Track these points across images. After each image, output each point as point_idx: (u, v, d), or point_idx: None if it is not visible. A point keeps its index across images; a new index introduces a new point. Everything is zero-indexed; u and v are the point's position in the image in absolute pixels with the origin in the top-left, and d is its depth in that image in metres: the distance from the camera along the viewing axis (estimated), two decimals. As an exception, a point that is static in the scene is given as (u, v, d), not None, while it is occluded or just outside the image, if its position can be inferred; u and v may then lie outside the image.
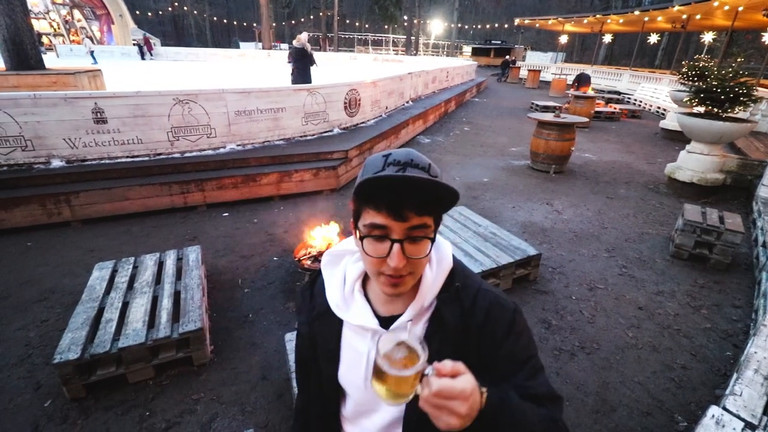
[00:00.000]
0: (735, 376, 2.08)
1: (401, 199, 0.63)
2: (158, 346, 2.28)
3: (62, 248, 3.77)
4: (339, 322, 0.80)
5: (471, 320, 0.75)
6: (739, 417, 1.77)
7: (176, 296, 2.63)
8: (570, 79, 14.81)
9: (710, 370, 2.56)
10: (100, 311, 2.46)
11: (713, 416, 1.76)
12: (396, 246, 0.64)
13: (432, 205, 0.66)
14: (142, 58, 25.35)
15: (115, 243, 3.90)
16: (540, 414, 0.70)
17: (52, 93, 4.35)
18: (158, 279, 2.82)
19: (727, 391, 1.96)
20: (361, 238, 0.68)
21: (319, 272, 0.87)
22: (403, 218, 0.63)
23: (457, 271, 0.80)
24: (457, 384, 0.57)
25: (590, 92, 12.42)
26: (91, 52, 21.86)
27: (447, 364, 0.59)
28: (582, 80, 13.34)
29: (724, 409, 1.82)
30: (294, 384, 1.99)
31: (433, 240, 0.69)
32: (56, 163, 4.42)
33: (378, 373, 0.60)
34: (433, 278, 0.76)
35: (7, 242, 3.82)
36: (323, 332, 0.83)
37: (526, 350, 0.77)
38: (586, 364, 2.57)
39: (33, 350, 2.52)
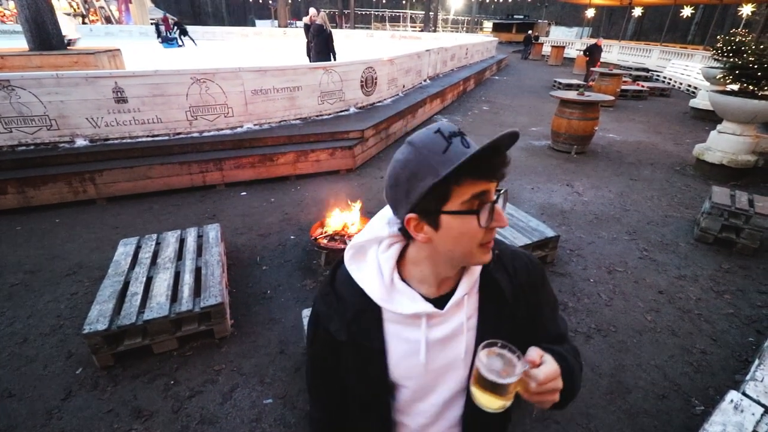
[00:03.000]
0: (757, 362, 2.04)
1: (499, 159, 0.63)
2: (181, 319, 2.37)
3: (88, 225, 3.91)
4: (379, 317, 0.76)
5: (516, 281, 0.80)
6: (759, 402, 1.75)
7: (197, 272, 2.71)
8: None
9: (731, 356, 2.51)
10: (126, 285, 2.55)
11: (732, 401, 1.74)
12: (497, 206, 0.65)
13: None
14: (158, 37, 25.14)
15: (139, 220, 4.01)
16: (571, 352, 0.82)
17: (74, 72, 4.42)
18: (180, 255, 2.91)
19: (748, 377, 1.92)
20: (474, 212, 0.64)
21: (333, 274, 0.81)
22: (500, 176, 0.64)
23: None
24: (551, 366, 0.65)
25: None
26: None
27: (535, 354, 0.66)
28: (594, 52, 12.84)
29: (744, 394, 1.80)
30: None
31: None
32: (80, 142, 4.53)
33: (489, 388, 0.63)
34: None
35: (36, 219, 3.98)
36: (364, 332, 0.76)
37: (552, 295, 0.89)
38: (602, 346, 2.56)
39: (64, 321, 2.65)
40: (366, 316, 0.76)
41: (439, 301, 0.75)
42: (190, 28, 28.66)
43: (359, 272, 0.77)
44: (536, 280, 0.83)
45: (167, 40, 18.78)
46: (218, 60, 14.21)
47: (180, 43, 19.83)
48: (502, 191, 0.66)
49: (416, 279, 0.76)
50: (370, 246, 0.78)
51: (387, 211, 0.78)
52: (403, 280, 0.76)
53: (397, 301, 0.74)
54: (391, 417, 0.85)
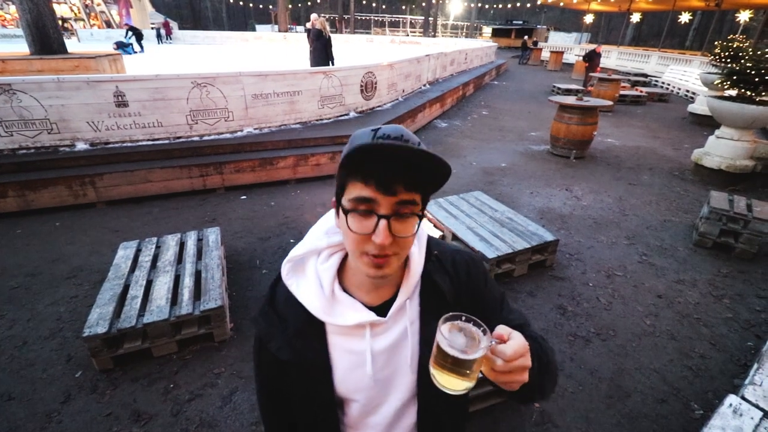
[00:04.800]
0: (756, 366, 2.05)
1: (392, 171, 0.59)
2: (181, 323, 2.37)
3: (88, 228, 3.91)
4: (322, 331, 0.74)
5: (457, 282, 0.79)
6: (757, 407, 1.75)
7: (197, 275, 2.72)
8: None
9: (729, 360, 2.52)
10: (126, 288, 2.56)
11: (731, 405, 1.75)
12: (383, 222, 0.60)
13: (423, 181, 0.62)
14: (159, 42, 24.98)
15: (138, 224, 4.02)
16: (539, 338, 0.79)
17: (75, 76, 4.44)
18: (180, 259, 2.91)
19: (747, 381, 1.93)
20: (346, 213, 0.63)
21: (272, 292, 0.79)
22: (392, 192, 0.60)
23: (430, 239, 0.80)
24: (519, 341, 0.59)
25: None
26: None
27: (503, 329, 0.61)
28: (593, 58, 13.02)
29: (743, 398, 1.80)
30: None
31: (420, 218, 0.65)
32: (81, 145, 4.54)
33: (450, 366, 0.57)
34: (419, 252, 0.75)
35: (37, 222, 3.98)
36: (307, 348, 0.74)
37: (498, 290, 0.86)
38: (601, 351, 2.56)
39: (64, 324, 2.65)
40: (308, 331, 0.74)
41: (382, 309, 0.73)
42: (189, 33, 28.91)
43: (298, 287, 0.74)
44: (477, 279, 0.82)
45: (122, 46, 16.66)
46: (207, 64, 14.28)
47: (136, 49, 18.18)
48: (389, 217, 0.60)
49: (355, 286, 0.75)
50: (308, 258, 0.76)
51: (325, 222, 0.78)
52: (345, 290, 0.74)
53: (339, 313, 0.72)
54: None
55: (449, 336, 0.58)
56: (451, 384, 0.58)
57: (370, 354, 0.73)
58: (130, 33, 17.89)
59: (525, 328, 0.81)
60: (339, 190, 0.66)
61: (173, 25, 29.66)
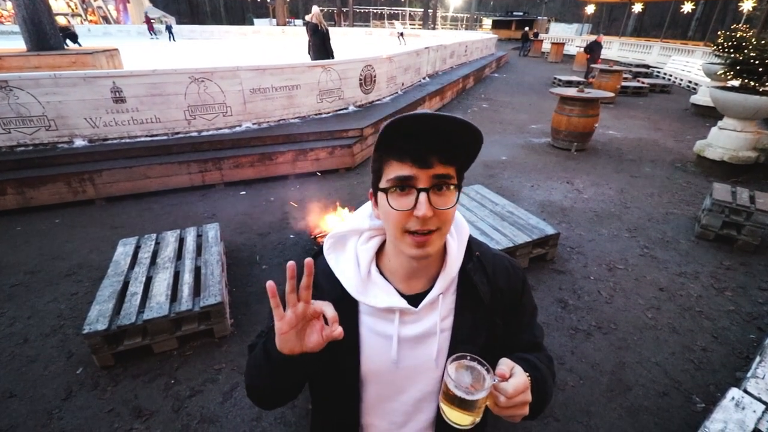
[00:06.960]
0: (758, 359, 2.04)
1: (426, 145, 0.61)
2: (181, 319, 2.37)
3: (88, 225, 3.90)
4: (355, 309, 0.76)
5: (495, 286, 0.79)
6: (760, 400, 1.74)
7: (197, 271, 2.71)
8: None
9: (732, 353, 2.51)
10: (125, 285, 2.55)
11: (733, 398, 1.74)
12: (423, 195, 0.62)
13: (457, 152, 0.64)
14: (170, 38, 23.68)
15: (138, 220, 4.01)
16: (546, 362, 0.82)
17: (72, 72, 4.41)
18: (179, 255, 2.90)
19: (749, 374, 1.92)
20: (385, 192, 0.65)
21: (314, 262, 0.81)
22: (428, 165, 0.61)
23: (472, 240, 0.81)
24: (520, 378, 0.63)
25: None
26: None
27: (505, 367, 0.64)
28: (594, 49, 13.04)
29: (745, 391, 1.79)
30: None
31: (457, 189, 0.66)
32: (79, 142, 4.52)
33: (457, 404, 0.62)
34: (457, 248, 0.76)
35: (36, 219, 3.97)
36: (340, 322, 0.75)
37: (531, 302, 0.88)
38: (603, 344, 2.55)
39: (64, 321, 2.65)
40: (341, 306, 0.73)
41: (414, 300, 0.75)
42: (186, 28, 28.68)
43: (337, 263, 0.77)
44: (516, 285, 0.82)
45: None
46: (205, 59, 14.20)
47: None
48: (428, 189, 0.62)
49: (389, 271, 0.76)
50: (350, 237, 0.79)
51: (369, 206, 0.79)
52: (382, 274, 0.76)
53: (372, 294, 0.74)
54: (361, 415, 0.85)
55: (456, 376, 0.62)
56: (459, 419, 0.63)
57: (396, 339, 0.74)
58: (66, 39, 15.29)
59: (537, 347, 0.86)
60: (375, 177, 0.68)
61: (171, 19, 29.35)
